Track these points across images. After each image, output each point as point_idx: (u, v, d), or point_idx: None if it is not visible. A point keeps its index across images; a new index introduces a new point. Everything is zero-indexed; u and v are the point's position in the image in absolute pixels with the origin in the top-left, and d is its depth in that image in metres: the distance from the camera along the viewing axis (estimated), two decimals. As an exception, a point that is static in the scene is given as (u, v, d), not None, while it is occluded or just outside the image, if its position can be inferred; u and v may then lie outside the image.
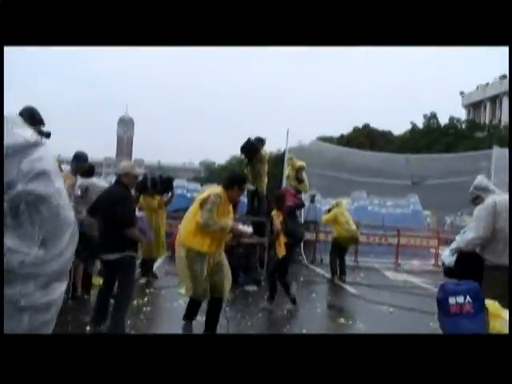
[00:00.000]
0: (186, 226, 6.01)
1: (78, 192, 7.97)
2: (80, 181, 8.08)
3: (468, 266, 5.57)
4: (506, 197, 5.66)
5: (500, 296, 4.57)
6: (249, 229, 6.85)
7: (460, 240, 5.90)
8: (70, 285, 7.77)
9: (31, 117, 6.50)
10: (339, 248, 11.98)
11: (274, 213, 8.75)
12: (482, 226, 5.43)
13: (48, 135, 7.15)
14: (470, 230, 5.72)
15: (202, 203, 5.87)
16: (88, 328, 6.33)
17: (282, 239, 8.37)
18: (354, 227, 12.26)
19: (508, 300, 4.43)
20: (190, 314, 6.31)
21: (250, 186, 8.76)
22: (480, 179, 6.01)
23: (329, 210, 12.76)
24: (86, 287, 8.05)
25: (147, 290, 8.88)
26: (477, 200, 5.76)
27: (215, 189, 6.17)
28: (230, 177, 6.45)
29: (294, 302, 8.37)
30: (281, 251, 8.42)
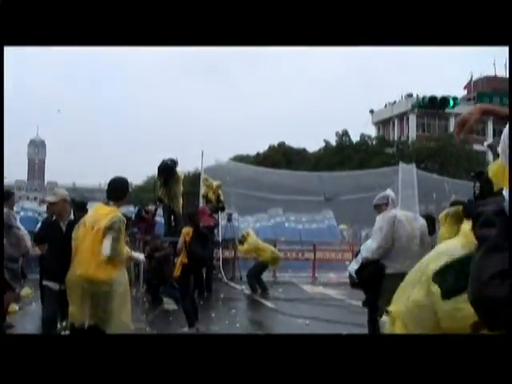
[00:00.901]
0: (89, 259, 5.24)
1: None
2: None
3: (370, 274, 5.96)
4: (404, 213, 6.18)
5: None
6: (140, 256, 6.98)
7: (364, 250, 6.29)
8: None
9: None
10: (262, 269, 12.41)
11: (184, 230, 8.43)
12: (383, 236, 5.84)
13: None
14: (373, 240, 6.12)
15: (106, 231, 5.21)
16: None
17: (181, 259, 8.10)
18: (275, 249, 12.83)
19: None
20: None
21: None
22: (390, 191, 6.51)
23: (240, 241, 13.18)
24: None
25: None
26: (379, 208, 6.18)
27: (111, 211, 5.43)
28: (118, 188, 5.71)
29: (190, 325, 7.95)
30: (176, 272, 8.23)
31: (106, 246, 5.17)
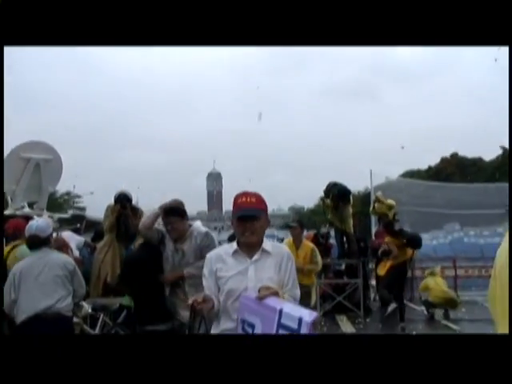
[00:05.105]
0: None
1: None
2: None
3: None
4: None
5: None
6: None
7: None
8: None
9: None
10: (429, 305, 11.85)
11: (387, 239, 10.06)
12: None
13: None
14: None
15: None
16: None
17: (392, 261, 9.64)
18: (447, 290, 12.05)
19: None
20: None
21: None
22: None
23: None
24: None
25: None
26: None
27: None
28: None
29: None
30: (383, 272, 9.89)
31: None
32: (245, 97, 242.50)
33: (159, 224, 5.19)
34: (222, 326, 3.35)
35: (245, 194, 3.46)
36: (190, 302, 3.14)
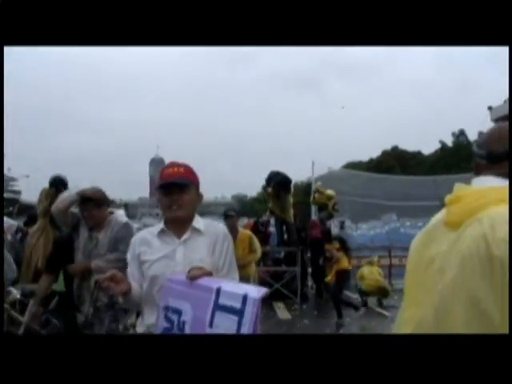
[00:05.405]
0: None
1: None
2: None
3: None
4: None
5: None
6: None
7: None
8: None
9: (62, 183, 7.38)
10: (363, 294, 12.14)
11: (327, 247, 10.51)
12: None
13: None
14: None
15: None
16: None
17: (336, 267, 9.95)
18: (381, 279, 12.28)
19: None
20: None
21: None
22: None
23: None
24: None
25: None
26: None
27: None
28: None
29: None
30: (331, 277, 10.12)
31: None
32: (192, 86, 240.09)
33: (76, 208, 4.82)
34: (147, 320, 2.92)
35: (172, 165, 3.02)
36: (96, 278, 3.03)
